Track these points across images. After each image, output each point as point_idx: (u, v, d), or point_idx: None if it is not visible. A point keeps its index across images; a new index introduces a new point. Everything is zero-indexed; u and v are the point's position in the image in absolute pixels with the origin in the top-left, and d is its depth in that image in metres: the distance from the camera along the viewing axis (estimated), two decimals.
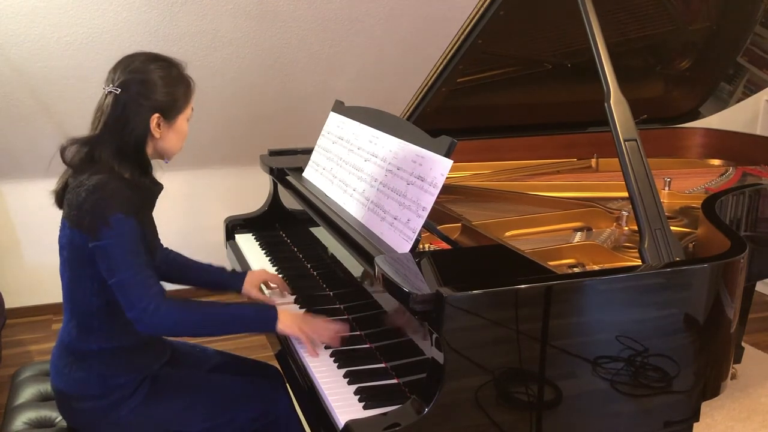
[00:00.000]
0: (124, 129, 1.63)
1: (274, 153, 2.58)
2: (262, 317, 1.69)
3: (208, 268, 2.03)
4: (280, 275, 2.14)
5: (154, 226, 1.79)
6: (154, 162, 1.76)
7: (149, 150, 1.70)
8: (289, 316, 1.69)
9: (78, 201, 1.58)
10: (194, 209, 3.88)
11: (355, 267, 1.78)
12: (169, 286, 1.75)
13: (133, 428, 1.71)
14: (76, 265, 1.65)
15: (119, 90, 1.62)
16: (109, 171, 1.61)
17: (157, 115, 1.65)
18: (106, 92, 1.65)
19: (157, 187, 1.74)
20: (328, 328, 1.70)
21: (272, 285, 2.07)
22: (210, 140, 3.68)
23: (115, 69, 1.67)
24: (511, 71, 2.57)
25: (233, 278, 2.03)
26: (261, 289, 2.05)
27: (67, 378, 1.70)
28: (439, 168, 1.57)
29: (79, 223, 1.58)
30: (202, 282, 2.03)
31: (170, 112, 1.67)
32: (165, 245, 1.98)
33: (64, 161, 1.67)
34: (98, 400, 1.68)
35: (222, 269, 2.04)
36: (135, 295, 1.55)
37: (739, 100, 2.93)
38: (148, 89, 1.63)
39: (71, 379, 1.69)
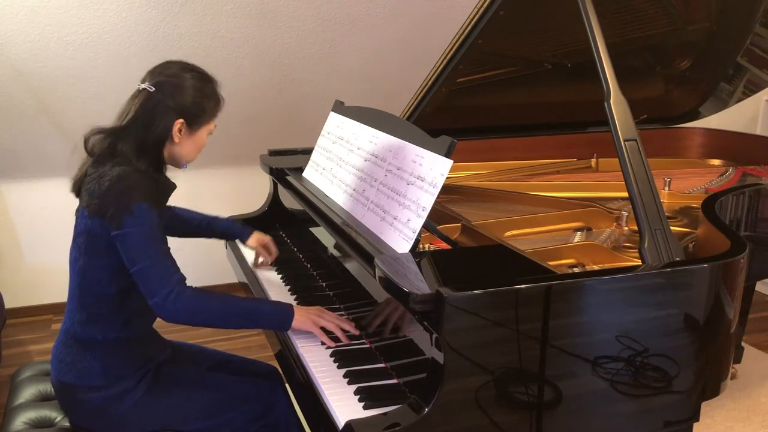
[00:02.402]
0: (149, 126, 1.67)
1: (274, 153, 2.58)
2: (280, 313, 1.70)
3: (216, 218, 2.17)
4: (279, 275, 2.15)
5: None
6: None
7: (165, 153, 1.73)
8: (302, 312, 1.72)
9: (101, 190, 1.61)
10: (194, 209, 3.87)
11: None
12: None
13: (133, 424, 1.71)
14: (92, 253, 1.67)
15: (153, 89, 1.66)
16: (129, 164, 1.64)
17: (181, 120, 1.69)
18: (140, 89, 1.69)
19: (171, 185, 1.77)
20: (339, 318, 1.74)
21: (264, 258, 2.22)
22: (210, 140, 3.66)
23: (152, 71, 1.71)
24: (511, 71, 2.57)
25: (242, 230, 2.21)
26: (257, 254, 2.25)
27: (71, 368, 1.71)
28: (439, 168, 1.57)
29: (102, 212, 1.61)
30: (210, 231, 2.16)
31: (195, 120, 1.72)
32: None
33: (86, 150, 1.70)
34: (101, 391, 1.69)
35: (229, 220, 2.19)
36: (156, 283, 1.58)
37: (739, 100, 2.94)
38: (180, 94, 1.68)
39: (75, 368, 1.70)
